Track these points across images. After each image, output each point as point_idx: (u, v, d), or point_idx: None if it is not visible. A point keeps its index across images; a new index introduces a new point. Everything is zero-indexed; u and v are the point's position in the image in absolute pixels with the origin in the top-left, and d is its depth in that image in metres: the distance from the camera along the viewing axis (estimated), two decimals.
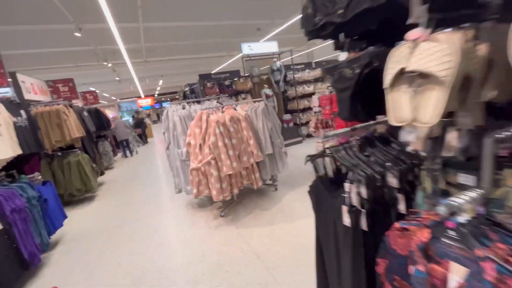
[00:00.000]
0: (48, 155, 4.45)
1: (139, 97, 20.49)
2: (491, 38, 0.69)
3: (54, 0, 4.21)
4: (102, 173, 6.00)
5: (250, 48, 6.19)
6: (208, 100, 3.91)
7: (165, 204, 3.92)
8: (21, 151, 2.65)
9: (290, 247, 2.36)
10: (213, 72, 7.00)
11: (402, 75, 0.80)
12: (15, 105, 2.83)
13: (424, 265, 0.63)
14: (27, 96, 4.43)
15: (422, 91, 0.75)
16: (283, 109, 6.74)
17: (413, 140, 1.00)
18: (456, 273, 0.58)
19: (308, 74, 6.99)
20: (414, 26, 0.78)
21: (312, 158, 1.24)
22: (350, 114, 1.28)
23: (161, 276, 2.25)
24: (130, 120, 12.53)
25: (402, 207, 0.94)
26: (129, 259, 2.57)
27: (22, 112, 2.92)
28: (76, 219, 3.85)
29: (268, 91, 6.22)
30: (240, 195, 3.40)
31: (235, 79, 6.27)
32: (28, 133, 2.95)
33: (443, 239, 0.64)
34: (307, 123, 7.02)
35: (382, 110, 0.94)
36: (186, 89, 8.08)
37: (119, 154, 9.69)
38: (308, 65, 7.41)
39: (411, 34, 0.77)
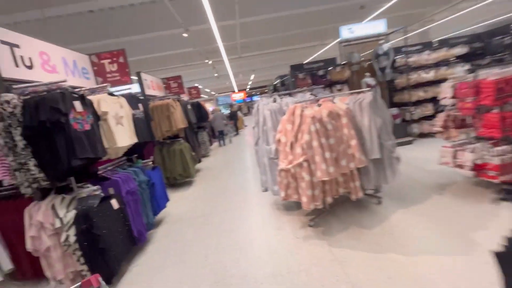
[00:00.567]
0: (160, 143, 5.19)
1: (233, 91, 22.31)
2: None
3: (168, 5, 4.75)
4: (199, 161, 6.65)
5: (350, 31, 5.35)
6: (301, 92, 3.51)
7: (252, 199, 3.84)
8: (137, 140, 3.03)
9: None
10: (305, 62, 6.53)
11: None
12: (134, 99, 3.27)
13: None
14: (147, 91, 5.28)
15: None
16: (388, 101, 5.58)
17: None
18: None
19: (427, 57, 5.48)
20: None
21: None
22: None
23: (243, 285, 2.07)
24: (227, 112, 13.74)
25: None
26: (215, 254, 2.55)
27: (140, 105, 3.36)
28: (177, 202, 4.31)
29: (370, 81, 5.25)
30: (333, 203, 2.89)
31: (330, 68, 5.60)
32: (143, 124, 3.38)
33: None
34: (421, 119, 5.59)
35: None
36: (277, 81, 7.94)
37: (215, 144, 10.76)
38: (427, 45, 5.83)
39: None
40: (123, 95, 3.17)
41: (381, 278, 1.86)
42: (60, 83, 2.11)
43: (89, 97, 2.48)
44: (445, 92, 2.95)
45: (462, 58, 5.65)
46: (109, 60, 3.32)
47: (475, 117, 2.68)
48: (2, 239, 2.50)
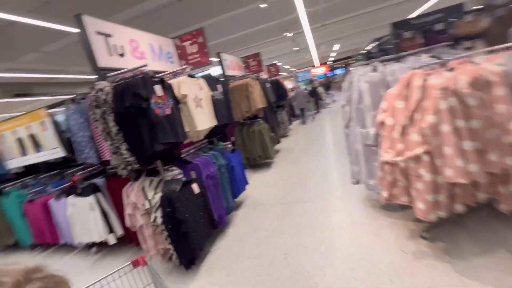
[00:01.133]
0: (240, 124, 5.17)
1: (314, 66, 20.76)
2: None
3: None
4: (278, 142, 6.43)
5: None
6: (412, 55, 2.57)
7: (338, 191, 3.30)
8: (216, 122, 2.95)
9: None
10: (413, 16, 5.01)
11: None
12: (213, 81, 3.17)
13: None
14: (228, 72, 5.26)
15: None
16: None
17: None
18: None
19: None
20: None
21: None
22: None
23: None
24: (308, 89, 12.88)
25: None
26: (296, 254, 2.24)
27: (218, 86, 3.26)
28: (256, 185, 4.22)
29: None
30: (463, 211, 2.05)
31: (454, 19, 4.05)
32: (222, 105, 3.29)
33: None
34: None
35: None
36: (370, 46, 6.59)
37: (295, 122, 10.35)
38: None
39: None
40: (202, 77, 3.11)
41: None
42: (142, 68, 2.12)
43: (170, 81, 2.47)
44: None
45: None
46: (189, 42, 3.30)
47: None
48: (114, 208, 2.94)
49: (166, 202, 2.09)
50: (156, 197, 2.19)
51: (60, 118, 3.09)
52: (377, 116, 2.03)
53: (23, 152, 3.31)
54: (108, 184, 2.90)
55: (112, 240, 2.87)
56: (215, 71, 7.62)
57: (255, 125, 5.01)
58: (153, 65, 2.92)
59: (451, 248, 1.88)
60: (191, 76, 2.71)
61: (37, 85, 9.88)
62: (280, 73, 9.64)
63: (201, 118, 2.72)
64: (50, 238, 3.31)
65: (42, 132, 3.07)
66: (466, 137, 1.56)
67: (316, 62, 19.41)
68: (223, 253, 2.52)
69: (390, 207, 2.55)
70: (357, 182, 2.70)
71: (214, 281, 2.17)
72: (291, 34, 9.55)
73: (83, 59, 2.28)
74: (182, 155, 2.62)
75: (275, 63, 8.98)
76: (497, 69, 1.67)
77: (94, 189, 2.85)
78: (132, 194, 2.19)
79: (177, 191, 2.16)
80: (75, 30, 2.26)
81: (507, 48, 1.82)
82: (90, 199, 2.80)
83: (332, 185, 3.49)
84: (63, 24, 4.86)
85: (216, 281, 2.16)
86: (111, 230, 2.89)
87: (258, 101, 4.87)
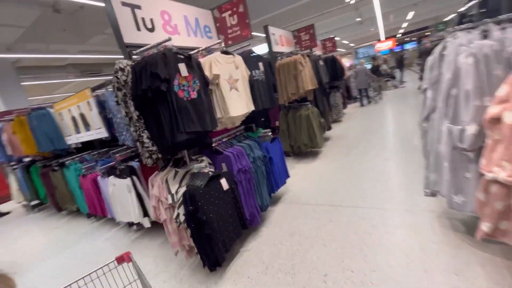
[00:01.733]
0: (285, 107, 4.66)
1: (379, 40, 18.08)
2: None
3: None
4: (329, 128, 5.71)
5: None
6: None
7: (402, 199, 2.62)
8: (253, 107, 2.55)
9: None
10: None
11: None
12: (254, 58, 2.72)
13: None
14: (275, 48, 4.69)
15: None
16: None
17: None
18: None
19: None
20: None
21: None
22: None
23: None
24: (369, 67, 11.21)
25: None
26: (338, 278, 1.79)
27: (260, 64, 2.80)
28: (298, 177, 3.77)
29: None
30: None
31: None
32: (263, 87, 2.84)
33: None
34: None
35: None
36: (464, 8, 5.06)
37: (354, 104, 9.25)
38: None
39: None
40: (241, 54, 2.69)
41: None
42: (165, 43, 1.80)
43: (201, 59, 2.12)
44: None
45: None
46: (229, 12, 2.87)
47: None
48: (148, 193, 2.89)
49: (189, 200, 1.85)
50: (180, 191, 1.96)
51: (104, 98, 3.12)
52: (487, 108, 1.32)
53: (77, 130, 3.51)
54: (143, 168, 2.84)
55: (146, 223, 2.86)
56: (261, 49, 7.06)
57: (302, 109, 4.44)
58: (188, 40, 2.61)
59: None
60: (225, 52, 2.32)
61: (105, 65, 10.92)
62: (337, 49, 8.47)
63: (236, 102, 2.34)
64: (100, 211, 3.55)
65: (89, 112, 3.16)
66: None
67: (382, 35, 16.81)
68: (252, 257, 2.22)
69: (475, 228, 1.83)
70: (433, 195, 2.01)
71: None
72: (353, 1, 8.19)
73: None
74: (213, 144, 2.33)
75: (333, 37, 7.88)
76: None
77: (131, 172, 2.83)
78: (155, 186, 2.01)
79: (202, 188, 1.89)
80: None
81: None
82: (127, 181, 2.79)
83: (395, 191, 2.80)
84: None
85: None
86: (146, 213, 2.88)
87: (308, 81, 4.24)
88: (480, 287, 1.48)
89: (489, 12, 3.28)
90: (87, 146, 4.02)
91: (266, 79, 2.94)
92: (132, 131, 1.92)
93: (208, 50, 2.38)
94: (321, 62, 5.28)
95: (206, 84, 2.01)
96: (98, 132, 3.18)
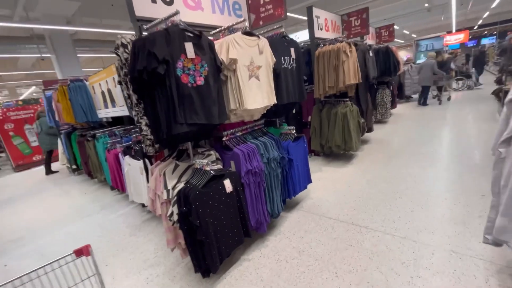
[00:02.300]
0: (320, 101, 4.17)
1: (449, 32, 15.55)
2: None
3: None
4: (370, 130, 5.05)
5: None
6: None
7: (453, 238, 2.08)
8: (275, 100, 2.20)
9: None
10: None
11: None
12: (285, 42, 2.33)
13: None
14: (318, 33, 4.15)
15: None
16: None
17: None
18: None
19: None
20: None
21: None
22: None
23: None
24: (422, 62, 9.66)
25: None
26: None
27: (292, 50, 2.40)
28: (323, 182, 3.36)
29: None
30: None
31: None
32: (292, 77, 2.45)
33: None
34: None
35: None
36: None
37: (406, 104, 8.19)
38: None
39: None
40: (270, 36, 2.33)
41: None
42: (172, 18, 1.54)
43: (218, 41, 1.83)
44: None
45: None
46: None
47: None
48: None
49: (183, 200, 1.64)
50: (178, 187, 1.77)
51: None
52: None
53: (105, 104, 3.57)
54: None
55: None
56: (305, 35, 6.45)
57: (339, 106, 3.92)
58: (212, 18, 2.32)
59: None
60: (248, 33, 1.98)
61: None
62: (394, 39, 7.36)
63: (255, 93, 2.02)
64: (120, 186, 3.64)
65: (114, 88, 3.15)
66: None
67: (453, 26, 14.38)
68: (251, 270, 1.98)
69: None
70: (496, 244, 1.49)
71: None
72: None
73: None
74: (223, 138, 2.07)
75: (391, 25, 6.83)
76: None
77: (144, 154, 2.76)
78: (152, 178, 1.85)
79: (199, 188, 1.67)
80: None
81: None
82: (140, 163, 2.73)
83: (440, 222, 2.25)
84: None
85: None
86: None
87: (351, 74, 3.67)
88: None
89: None
90: (118, 120, 4.12)
91: (297, 68, 2.53)
92: (134, 115, 1.75)
93: (231, 30, 2.07)
94: (371, 53, 4.57)
95: (217, 70, 1.72)
96: (122, 109, 3.17)
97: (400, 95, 8.24)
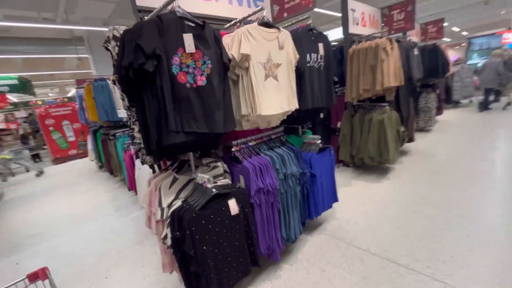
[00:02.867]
0: (353, 106, 3.68)
1: (509, 28, 13.56)
2: None
3: None
4: (410, 140, 4.40)
5: None
6: None
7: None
8: (296, 106, 1.84)
9: None
10: None
11: None
12: (312, 37, 1.95)
13: None
14: (353, 29, 3.67)
15: None
16: None
17: None
18: None
19: None
20: None
21: None
22: None
23: None
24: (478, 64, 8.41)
25: None
26: None
27: (320, 46, 2.02)
28: (351, 199, 2.90)
29: None
30: None
31: None
32: (319, 78, 2.07)
33: None
34: None
35: None
36: None
37: (455, 109, 7.23)
38: None
39: None
40: (295, 29, 1.98)
41: None
42: (172, 5, 1.28)
43: (228, 34, 1.53)
44: None
45: None
46: None
47: None
48: None
49: (176, 223, 1.37)
50: (175, 205, 1.51)
51: None
52: None
53: (124, 104, 3.49)
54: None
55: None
56: (336, 33, 5.92)
57: (375, 112, 3.40)
58: (229, 9, 2.04)
59: None
60: (266, 25, 1.65)
61: None
62: (442, 38, 6.44)
63: (272, 96, 1.69)
64: (135, 187, 3.55)
65: None
66: None
67: None
68: None
69: None
70: None
71: None
72: None
73: None
74: (232, 148, 1.77)
75: (440, 20, 5.99)
76: None
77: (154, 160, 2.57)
78: (147, 192, 1.61)
79: (196, 210, 1.38)
80: None
81: None
82: (148, 168, 2.56)
83: (502, 262, 1.71)
84: None
85: None
86: None
87: (391, 75, 3.15)
88: None
89: None
90: None
91: (326, 67, 2.14)
92: (126, 120, 1.53)
93: (247, 23, 1.76)
94: (415, 51, 3.96)
95: (223, 67, 1.42)
96: None
97: (447, 99, 7.28)
